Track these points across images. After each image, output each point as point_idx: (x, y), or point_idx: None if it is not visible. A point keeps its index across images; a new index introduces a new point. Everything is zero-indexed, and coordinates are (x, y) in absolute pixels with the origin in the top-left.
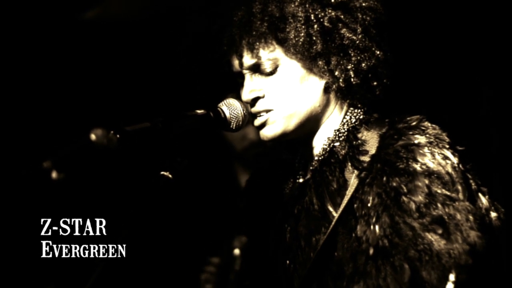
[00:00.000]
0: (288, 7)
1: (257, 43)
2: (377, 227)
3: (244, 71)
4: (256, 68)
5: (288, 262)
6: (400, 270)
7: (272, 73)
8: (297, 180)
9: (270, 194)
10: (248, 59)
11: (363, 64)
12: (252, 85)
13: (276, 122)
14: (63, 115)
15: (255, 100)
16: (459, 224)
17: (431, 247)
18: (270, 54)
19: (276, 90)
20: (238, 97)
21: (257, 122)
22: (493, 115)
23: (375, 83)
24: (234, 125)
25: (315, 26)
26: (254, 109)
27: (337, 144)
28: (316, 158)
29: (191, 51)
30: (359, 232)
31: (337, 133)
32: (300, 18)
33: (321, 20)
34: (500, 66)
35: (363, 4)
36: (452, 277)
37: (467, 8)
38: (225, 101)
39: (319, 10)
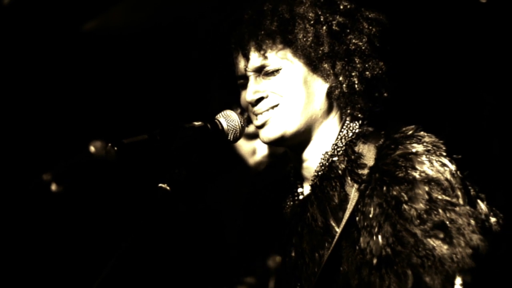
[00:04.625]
0: (298, 9)
1: (266, 42)
2: (379, 237)
3: (249, 73)
4: (261, 70)
5: (294, 278)
6: (403, 277)
7: (277, 74)
8: (297, 197)
9: (269, 213)
10: (254, 59)
11: (367, 72)
12: (256, 86)
13: (277, 122)
14: (63, 126)
15: (258, 101)
16: (461, 228)
17: (433, 252)
18: (276, 54)
19: (280, 90)
20: (237, 111)
21: (258, 121)
22: (495, 124)
23: (376, 94)
24: (231, 137)
25: (324, 27)
26: (256, 109)
27: (335, 158)
28: (314, 173)
29: (201, 49)
30: (362, 244)
31: (335, 147)
32: (310, 18)
33: (330, 23)
34: (502, 75)
35: (370, 15)
36: (458, 280)
37: (470, 16)
38: (222, 113)
39: (328, 14)
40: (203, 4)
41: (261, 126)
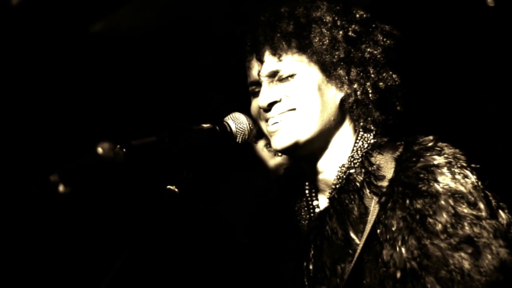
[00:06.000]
0: (315, 13)
1: (281, 45)
2: (403, 250)
3: (262, 78)
4: (275, 75)
5: None
6: None
7: (290, 79)
8: (313, 209)
9: (282, 224)
10: (269, 63)
11: (381, 83)
12: (269, 91)
13: (290, 129)
14: (70, 128)
15: (271, 105)
16: (488, 242)
17: (462, 266)
18: (292, 58)
19: (294, 95)
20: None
21: (271, 128)
22: (497, 122)
23: (389, 106)
24: (240, 139)
25: (340, 32)
26: (269, 114)
27: (352, 171)
28: (331, 186)
29: (214, 54)
30: (385, 257)
31: (352, 159)
32: (327, 22)
33: (346, 29)
34: (505, 74)
35: (385, 28)
36: None
37: (474, 15)
38: (231, 115)
39: (344, 21)
40: (211, 5)
41: (273, 133)
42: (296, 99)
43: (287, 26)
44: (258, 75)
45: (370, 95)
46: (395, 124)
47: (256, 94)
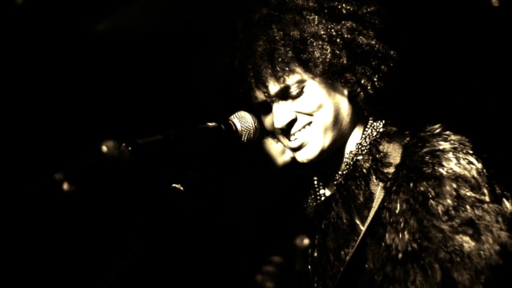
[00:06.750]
0: (308, 28)
1: (283, 70)
2: (405, 233)
3: (270, 100)
4: (282, 94)
5: (316, 277)
6: (430, 272)
7: (299, 95)
8: (319, 197)
9: (290, 212)
10: (274, 87)
11: (383, 67)
12: (282, 111)
13: (314, 142)
14: (75, 127)
15: (289, 125)
16: (489, 225)
17: (462, 248)
18: (295, 77)
19: (308, 109)
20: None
21: (294, 144)
22: (497, 122)
23: (393, 84)
24: (245, 138)
25: (338, 40)
26: (288, 133)
27: (359, 157)
28: (339, 172)
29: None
30: (388, 240)
31: (359, 146)
32: (324, 36)
33: (341, 33)
34: (505, 74)
35: (369, 9)
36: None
37: (478, 15)
38: (236, 114)
39: (335, 23)
40: (214, 6)
41: (298, 149)
42: (312, 113)
43: (285, 52)
44: (265, 96)
45: (376, 83)
46: (402, 114)
47: (266, 112)
